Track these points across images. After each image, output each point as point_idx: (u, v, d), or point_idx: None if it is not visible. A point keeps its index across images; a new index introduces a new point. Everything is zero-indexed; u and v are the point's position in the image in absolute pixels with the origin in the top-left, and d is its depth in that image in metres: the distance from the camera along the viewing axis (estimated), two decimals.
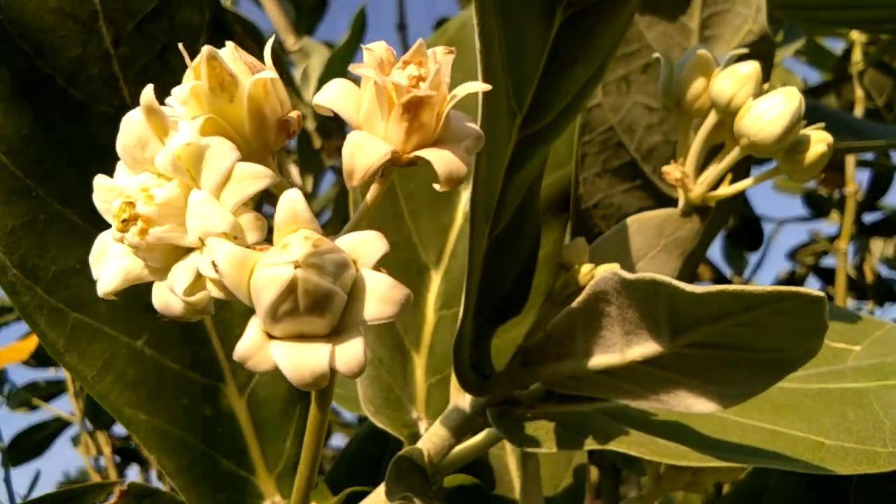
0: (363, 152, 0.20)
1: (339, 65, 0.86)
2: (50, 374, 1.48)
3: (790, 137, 0.28)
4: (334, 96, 0.21)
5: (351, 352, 0.18)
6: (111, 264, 0.20)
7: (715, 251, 1.56)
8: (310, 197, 1.16)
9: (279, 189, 0.20)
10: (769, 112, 0.28)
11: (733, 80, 0.30)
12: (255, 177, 0.19)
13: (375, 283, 0.18)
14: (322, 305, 0.17)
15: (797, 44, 0.83)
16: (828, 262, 1.14)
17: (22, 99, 0.34)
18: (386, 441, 0.52)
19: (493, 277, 0.32)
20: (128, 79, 0.36)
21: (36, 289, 0.35)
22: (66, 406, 1.53)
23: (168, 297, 0.20)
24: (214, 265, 0.18)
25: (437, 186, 0.21)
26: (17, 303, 0.34)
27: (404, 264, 0.43)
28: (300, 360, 0.17)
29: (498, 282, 0.33)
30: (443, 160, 0.21)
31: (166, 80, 0.38)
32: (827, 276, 1.10)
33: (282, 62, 0.90)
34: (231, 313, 0.40)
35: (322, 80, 0.91)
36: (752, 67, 0.30)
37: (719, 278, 1.07)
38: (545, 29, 0.28)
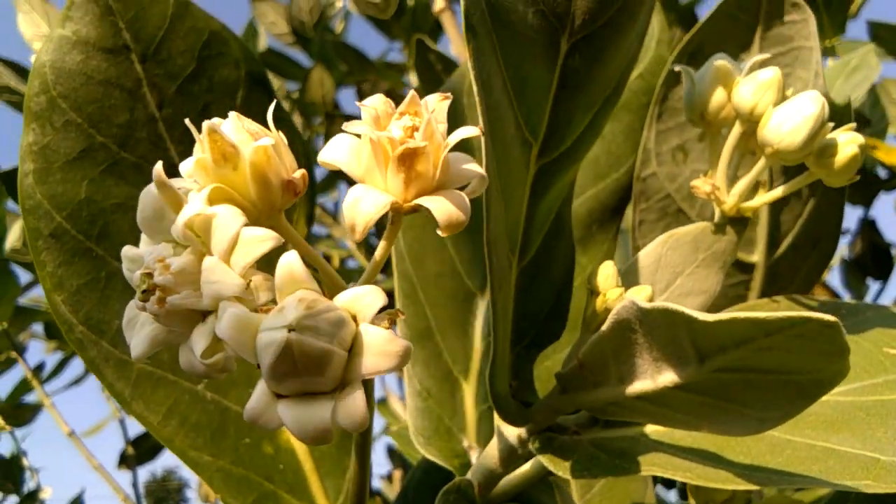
0: (362, 205, 0.21)
1: None
2: None
3: (815, 143, 0.27)
4: (337, 153, 0.22)
5: (352, 407, 0.18)
6: (139, 332, 0.22)
7: (834, 277, 1.49)
8: None
9: (293, 247, 0.21)
10: (790, 119, 0.27)
11: (754, 88, 0.29)
12: (261, 240, 0.20)
13: (373, 338, 0.19)
14: (320, 365, 0.18)
15: None
16: None
17: (78, 166, 0.37)
18: (450, 471, 0.52)
19: (528, 305, 0.32)
20: (174, 139, 0.39)
21: (101, 343, 0.37)
22: None
23: (192, 358, 0.21)
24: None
25: (439, 232, 0.22)
26: (86, 358, 0.37)
27: (451, 292, 0.44)
28: (304, 418, 0.18)
29: (534, 309, 0.33)
30: (441, 208, 0.21)
31: None
32: None
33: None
34: None
35: None
36: (774, 73, 0.29)
37: None
38: (551, 58, 0.28)
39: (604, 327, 0.26)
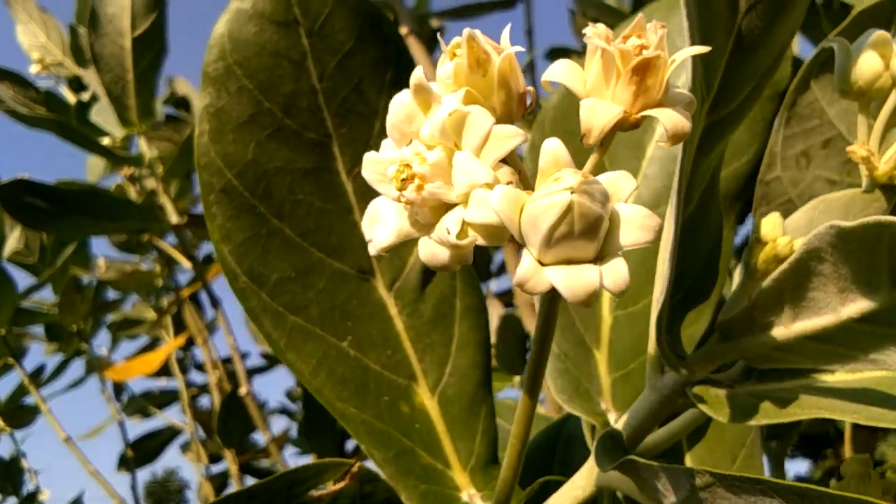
0: (598, 113, 0.23)
1: None
2: (161, 383, 1.58)
3: None
4: (562, 72, 0.24)
5: (617, 272, 0.20)
6: (385, 224, 0.24)
7: None
8: None
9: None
10: None
11: None
12: (510, 136, 0.22)
13: (632, 213, 0.20)
14: (593, 228, 0.19)
15: None
16: None
17: (247, 129, 0.39)
18: (553, 451, 0.53)
19: (684, 259, 0.34)
20: (330, 110, 0.41)
21: (261, 294, 0.39)
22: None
23: (435, 248, 0.23)
24: (486, 206, 0.21)
25: (662, 144, 0.24)
26: (247, 307, 0.39)
27: None
28: (574, 279, 0.20)
29: (688, 264, 0.34)
30: (669, 118, 0.23)
31: (361, 110, 0.42)
32: None
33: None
34: (420, 321, 0.43)
35: None
36: None
37: None
38: (731, 17, 0.30)
39: (789, 259, 0.27)
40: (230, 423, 1.09)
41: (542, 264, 0.20)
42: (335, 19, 0.41)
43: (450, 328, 0.43)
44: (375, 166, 0.24)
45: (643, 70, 0.23)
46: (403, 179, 0.22)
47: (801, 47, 1.09)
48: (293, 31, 0.40)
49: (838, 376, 0.33)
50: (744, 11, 0.30)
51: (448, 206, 0.23)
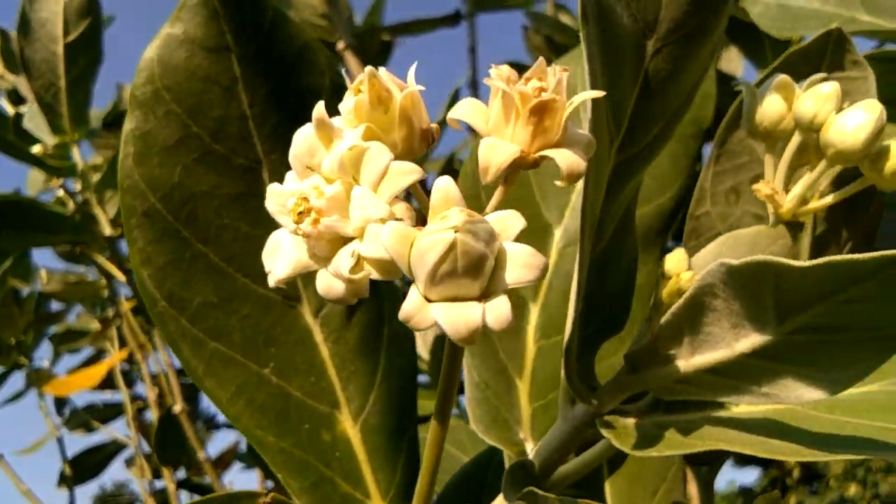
0: (496, 152, 0.23)
1: None
2: (107, 396, 1.54)
3: (874, 145, 0.30)
4: (465, 111, 0.25)
5: (499, 310, 0.20)
6: (283, 256, 0.24)
7: None
8: None
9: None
10: (853, 121, 0.30)
11: (815, 100, 0.32)
12: (407, 172, 0.23)
13: (517, 252, 0.21)
14: (476, 267, 0.20)
15: None
16: None
17: (174, 153, 0.39)
18: (484, 477, 0.53)
19: (596, 292, 0.35)
20: (261, 136, 0.41)
21: (181, 319, 0.39)
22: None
23: (331, 281, 0.23)
24: (378, 241, 0.21)
25: (558, 182, 0.24)
26: (165, 332, 0.38)
27: None
28: (457, 317, 0.20)
29: (601, 296, 0.35)
30: (565, 158, 0.24)
31: (293, 136, 0.43)
32: None
33: None
34: (346, 348, 0.43)
35: None
36: (833, 86, 0.32)
37: None
38: (639, 59, 0.31)
39: (685, 294, 0.28)
40: (167, 442, 1.07)
41: (429, 300, 0.21)
42: (270, 46, 0.41)
43: (376, 355, 0.43)
44: (277, 198, 0.24)
45: (541, 112, 0.24)
46: (300, 213, 0.23)
47: (745, 72, 1.12)
48: (224, 57, 0.40)
49: (742, 408, 0.34)
50: (650, 55, 0.32)
51: (346, 240, 0.23)
